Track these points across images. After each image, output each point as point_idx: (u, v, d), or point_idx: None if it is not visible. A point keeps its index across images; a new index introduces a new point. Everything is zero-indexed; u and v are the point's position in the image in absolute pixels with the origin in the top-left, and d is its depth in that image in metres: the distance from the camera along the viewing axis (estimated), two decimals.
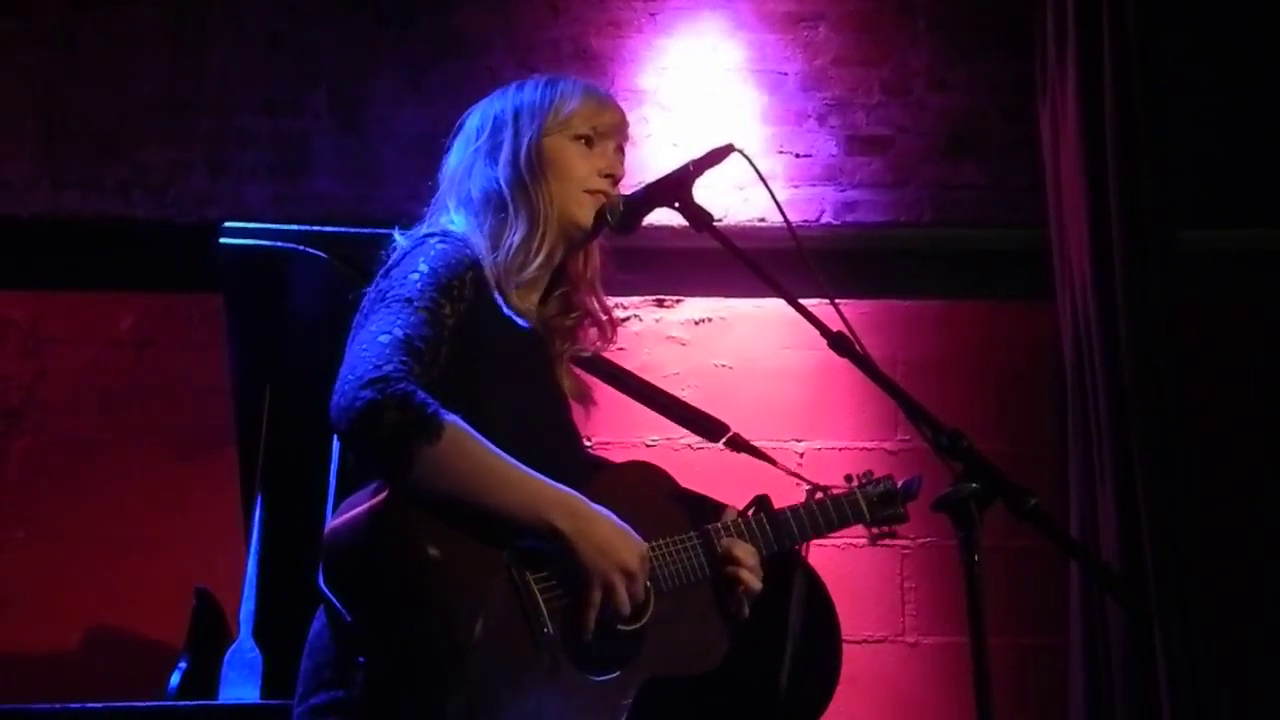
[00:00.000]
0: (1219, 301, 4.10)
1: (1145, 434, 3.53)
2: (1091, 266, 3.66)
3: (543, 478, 2.03)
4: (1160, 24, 3.74)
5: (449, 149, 2.36)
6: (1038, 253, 3.89)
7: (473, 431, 1.99)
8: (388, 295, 2.08)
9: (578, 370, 2.39)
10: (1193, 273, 3.80)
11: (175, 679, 3.03)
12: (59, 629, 3.88)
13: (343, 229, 3.85)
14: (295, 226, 3.87)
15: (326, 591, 1.97)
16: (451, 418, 1.96)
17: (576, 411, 2.35)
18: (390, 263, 2.16)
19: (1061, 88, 3.81)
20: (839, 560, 3.80)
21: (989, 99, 4.23)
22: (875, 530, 2.47)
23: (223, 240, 3.22)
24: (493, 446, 2.00)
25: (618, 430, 3.82)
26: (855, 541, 3.96)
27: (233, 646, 2.96)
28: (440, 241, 2.15)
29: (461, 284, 2.11)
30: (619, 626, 2.09)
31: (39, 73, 4.14)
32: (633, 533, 2.08)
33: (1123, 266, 3.62)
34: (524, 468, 2.02)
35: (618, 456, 2.62)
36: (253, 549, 3.04)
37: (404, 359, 1.97)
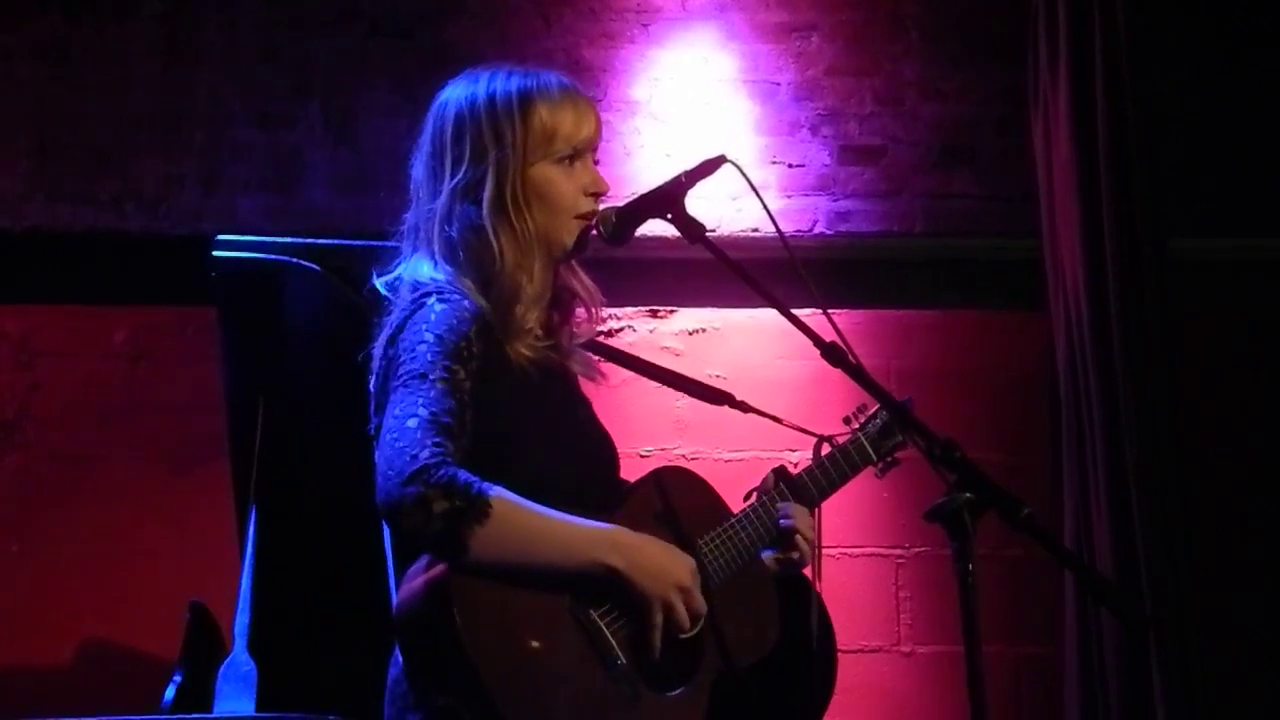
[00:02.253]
0: (1213, 310, 4.10)
1: (1139, 443, 3.53)
2: (1084, 275, 3.67)
3: (584, 521, 2.07)
4: (1153, 33, 3.75)
5: (420, 134, 2.31)
6: (1030, 262, 3.89)
7: (516, 499, 2.01)
8: (400, 372, 2.07)
9: (584, 352, 2.38)
10: (1186, 281, 3.81)
11: (170, 693, 3.02)
12: (53, 643, 3.87)
13: (336, 241, 3.87)
14: (289, 239, 3.88)
15: (410, 664, 2.05)
16: (496, 491, 1.98)
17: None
18: (392, 325, 2.15)
19: (1054, 97, 3.82)
20: (833, 570, 3.79)
21: (981, 109, 4.23)
22: (881, 465, 2.53)
23: (216, 253, 3.22)
24: (536, 506, 2.03)
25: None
26: (850, 551, 3.96)
27: (227, 660, 2.96)
28: (439, 301, 2.13)
29: (469, 343, 2.10)
30: (679, 636, 2.14)
31: (32, 86, 4.13)
32: (678, 551, 2.13)
33: (1116, 275, 3.62)
34: (567, 517, 2.05)
35: None
36: (247, 562, 3.03)
37: (437, 440, 1.98)
